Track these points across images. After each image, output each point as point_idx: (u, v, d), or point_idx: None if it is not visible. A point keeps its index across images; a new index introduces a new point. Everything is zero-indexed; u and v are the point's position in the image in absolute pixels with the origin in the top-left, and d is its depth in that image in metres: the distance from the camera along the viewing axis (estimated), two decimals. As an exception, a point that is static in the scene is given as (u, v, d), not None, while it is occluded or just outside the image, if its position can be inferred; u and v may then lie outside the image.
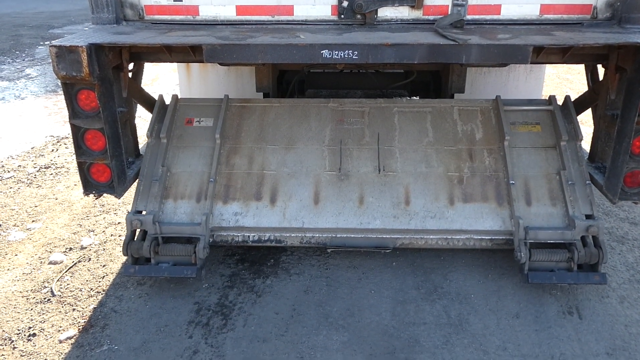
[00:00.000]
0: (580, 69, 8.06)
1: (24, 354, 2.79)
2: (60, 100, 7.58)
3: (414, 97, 5.00)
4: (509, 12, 3.07)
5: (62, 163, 5.39)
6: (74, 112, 2.82)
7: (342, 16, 3.09)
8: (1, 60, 10.33)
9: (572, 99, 3.54)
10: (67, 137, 6.11)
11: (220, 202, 3.26)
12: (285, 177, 3.34)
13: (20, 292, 3.30)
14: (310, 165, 3.38)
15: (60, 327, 2.98)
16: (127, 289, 3.30)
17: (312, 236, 3.23)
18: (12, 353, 2.79)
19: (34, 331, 2.94)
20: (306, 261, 3.54)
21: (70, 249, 3.78)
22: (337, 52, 2.64)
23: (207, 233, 3.14)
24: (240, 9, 3.12)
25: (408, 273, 3.42)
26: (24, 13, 17.31)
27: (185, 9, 3.13)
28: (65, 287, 3.33)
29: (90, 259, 3.64)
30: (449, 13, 3.06)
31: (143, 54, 3.15)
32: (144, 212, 3.18)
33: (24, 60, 10.46)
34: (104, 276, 3.44)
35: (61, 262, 3.61)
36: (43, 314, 3.09)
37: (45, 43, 11.91)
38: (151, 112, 3.56)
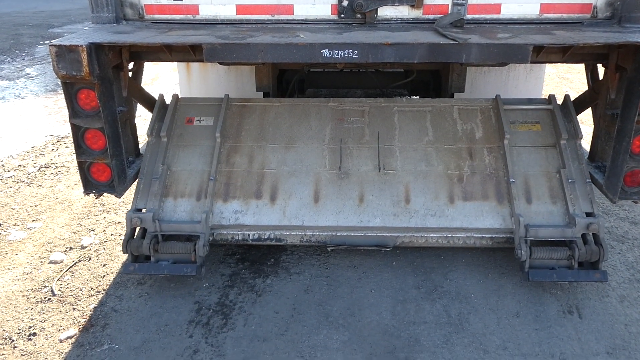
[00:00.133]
0: (580, 68, 8.07)
1: (24, 353, 2.79)
2: (60, 99, 7.58)
3: (414, 97, 5.00)
4: (509, 11, 3.07)
5: (62, 162, 5.39)
6: (74, 111, 2.82)
7: (342, 15, 3.09)
8: (1, 60, 10.33)
9: (572, 99, 3.54)
10: (67, 137, 6.12)
11: (221, 201, 3.26)
12: (285, 176, 3.34)
13: (21, 291, 3.30)
14: (311, 163, 3.39)
15: (61, 326, 2.98)
16: (127, 288, 3.30)
17: (312, 234, 3.23)
18: (13, 352, 2.79)
19: (35, 330, 2.95)
20: (306, 260, 3.55)
21: (71, 248, 3.78)
22: (337, 51, 2.64)
23: (207, 231, 3.14)
24: (240, 9, 3.12)
25: (408, 272, 3.42)
26: (24, 12, 17.30)
27: (185, 8, 3.13)
28: (66, 287, 3.34)
29: (90, 259, 3.64)
30: (449, 12, 3.05)
31: (143, 54, 3.15)
32: (144, 210, 3.19)
33: (24, 59, 10.47)
34: (104, 275, 3.44)
35: (61, 261, 3.62)
36: (43, 313, 3.09)
37: (45, 42, 11.91)
38: (151, 112, 3.56)
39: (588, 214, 3.09)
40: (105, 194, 3.11)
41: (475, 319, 3.00)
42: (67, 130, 6.20)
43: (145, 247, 3.09)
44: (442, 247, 3.52)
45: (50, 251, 3.74)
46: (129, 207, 3.21)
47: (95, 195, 3.12)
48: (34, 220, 4.20)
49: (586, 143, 3.58)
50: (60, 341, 2.86)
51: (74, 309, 3.12)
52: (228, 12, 3.13)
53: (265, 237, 3.25)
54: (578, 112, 3.52)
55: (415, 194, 3.26)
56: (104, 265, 3.55)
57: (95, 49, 2.63)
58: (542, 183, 3.23)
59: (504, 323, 2.97)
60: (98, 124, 2.83)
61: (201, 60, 2.77)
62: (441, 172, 3.32)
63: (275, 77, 4.18)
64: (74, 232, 4.00)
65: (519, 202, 3.16)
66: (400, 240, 3.23)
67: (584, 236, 3.07)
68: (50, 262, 3.60)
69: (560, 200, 3.17)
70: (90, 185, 3.03)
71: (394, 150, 3.42)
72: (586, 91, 3.53)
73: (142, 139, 3.59)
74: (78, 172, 3.01)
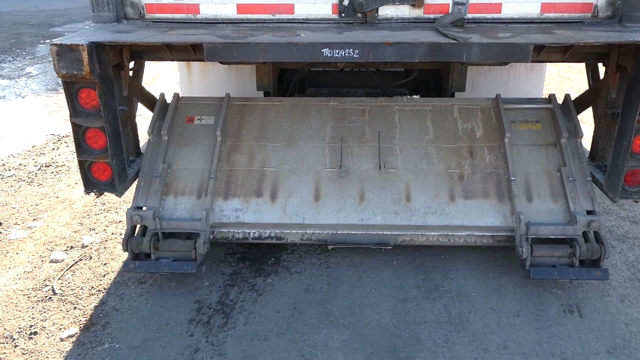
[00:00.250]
0: (581, 67, 8.05)
1: (25, 352, 2.79)
2: (61, 98, 7.59)
3: (415, 96, 5.01)
4: (509, 10, 3.07)
5: (62, 162, 5.39)
6: (75, 110, 2.83)
7: (343, 15, 3.09)
8: (2, 59, 10.33)
9: (573, 98, 3.55)
10: (67, 136, 6.12)
11: (221, 198, 3.27)
12: (285, 174, 3.35)
13: (22, 290, 3.31)
14: (311, 162, 3.39)
15: (62, 325, 2.99)
16: (128, 287, 3.30)
17: (312, 232, 3.24)
18: (14, 351, 2.80)
19: (35, 329, 2.95)
20: (307, 260, 3.55)
21: (71, 247, 3.79)
22: (337, 50, 2.64)
23: (208, 228, 3.15)
24: (241, 8, 3.12)
25: (409, 272, 3.42)
26: (25, 11, 17.30)
27: (186, 7, 3.13)
28: (67, 286, 3.34)
29: (91, 258, 3.65)
30: (450, 12, 3.05)
31: (144, 53, 3.15)
32: (144, 208, 3.19)
33: (24, 58, 10.47)
34: (105, 274, 3.44)
35: (62, 260, 3.62)
36: (44, 312, 3.10)
37: (46, 41, 11.91)
38: (152, 111, 3.57)
39: (589, 212, 3.09)
40: (105, 193, 3.12)
41: (476, 318, 3.00)
42: (67, 129, 6.21)
43: (146, 245, 3.10)
44: (443, 246, 3.53)
45: (51, 250, 3.75)
46: (130, 205, 3.21)
47: (95, 195, 3.12)
48: (34, 220, 4.20)
49: (587, 142, 3.58)
50: (61, 340, 2.87)
51: (75, 307, 3.13)
52: (229, 11, 3.13)
53: (266, 236, 3.25)
54: (579, 112, 3.52)
55: (416, 192, 3.26)
56: (105, 264, 3.56)
57: (96, 48, 2.63)
58: (543, 181, 3.23)
59: (504, 322, 2.97)
60: (99, 123, 2.83)
61: (202, 60, 2.77)
62: (442, 171, 3.33)
63: (276, 77, 4.18)
64: (75, 231, 4.00)
65: (520, 200, 3.16)
66: (401, 239, 3.23)
67: (585, 234, 3.07)
68: (51, 261, 3.61)
69: (561, 199, 3.17)
70: (91, 184, 3.03)
71: (394, 149, 3.42)
72: (587, 90, 3.53)
73: (143, 138, 3.60)
74: (79, 171, 3.01)
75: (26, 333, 2.92)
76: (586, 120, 5.78)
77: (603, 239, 3.02)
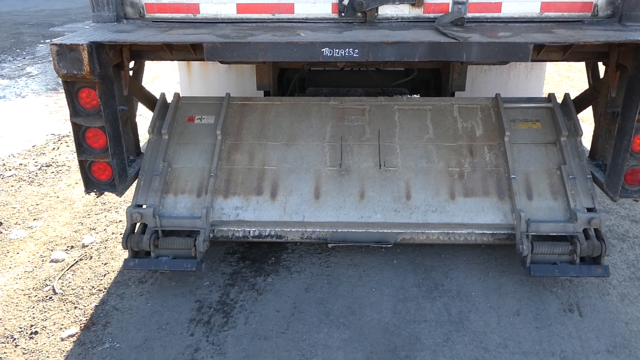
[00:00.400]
0: (581, 66, 8.05)
1: (25, 351, 2.80)
2: (61, 98, 7.59)
3: (415, 95, 5.01)
4: (509, 9, 3.07)
5: (63, 161, 5.40)
6: (75, 110, 2.83)
7: (343, 14, 3.09)
8: (2, 59, 10.34)
9: (573, 97, 3.55)
10: (68, 136, 6.12)
11: (221, 197, 3.27)
12: (285, 172, 3.35)
13: (22, 290, 3.31)
14: (311, 160, 3.39)
15: (62, 325, 2.99)
16: (128, 286, 3.30)
17: (312, 231, 3.23)
18: (15, 351, 2.80)
19: (36, 329, 2.95)
20: (307, 259, 3.55)
21: (72, 247, 3.79)
22: (337, 50, 2.64)
23: (208, 226, 3.15)
24: (240, 7, 3.12)
25: (409, 271, 3.42)
26: (25, 11, 17.30)
27: (186, 7, 3.13)
28: (67, 285, 3.34)
29: (91, 257, 3.65)
30: (450, 11, 3.05)
31: (144, 52, 3.15)
32: (144, 206, 3.19)
33: (24, 58, 10.47)
34: (105, 274, 3.45)
35: (63, 260, 3.62)
36: (45, 312, 3.10)
37: (46, 41, 11.91)
38: (152, 110, 3.57)
39: (589, 209, 3.09)
40: (106, 193, 3.12)
41: (476, 317, 3.01)
42: (68, 129, 6.21)
43: (146, 243, 3.10)
44: (443, 245, 3.53)
45: (52, 250, 3.75)
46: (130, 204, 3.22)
47: (96, 194, 3.12)
48: (35, 219, 4.21)
49: (587, 141, 3.59)
50: (62, 340, 2.87)
51: (76, 307, 3.13)
52: (229, 10, 3.13)
53: (266, 234, 3.26)
54: (579, 111, 3.52)
55: (416, 190, 3.27)
56: (105, 264, 3.56)
57: (96, 47, 2.63)
58: (543, 179, 3.24)
59: (504, 321, 2.97)
60: (99, 122, 2.83)
61: (202, 59, 2.77)
62: (442, 169, 3.33)
63: (276, 76, 4.19)
64: (75, 231, 4.01)
65: (520, 198, 3.16)
66: (401, 237, 3.23)
67: (585, 231, 3.07)
68: (52, 261, 3.61)
69: (561, 196, 3.17)
70: (91, 184, 3.03)
71: (394, 148, 3.42)
72: (587, 90, 3.53)
73: (143, 137, 3.60)
74: (79, 171, 3.01)
75: (27, 333, 2.93)
76: (586, 119, 5.78)
77: (603, 236, 3.02)
